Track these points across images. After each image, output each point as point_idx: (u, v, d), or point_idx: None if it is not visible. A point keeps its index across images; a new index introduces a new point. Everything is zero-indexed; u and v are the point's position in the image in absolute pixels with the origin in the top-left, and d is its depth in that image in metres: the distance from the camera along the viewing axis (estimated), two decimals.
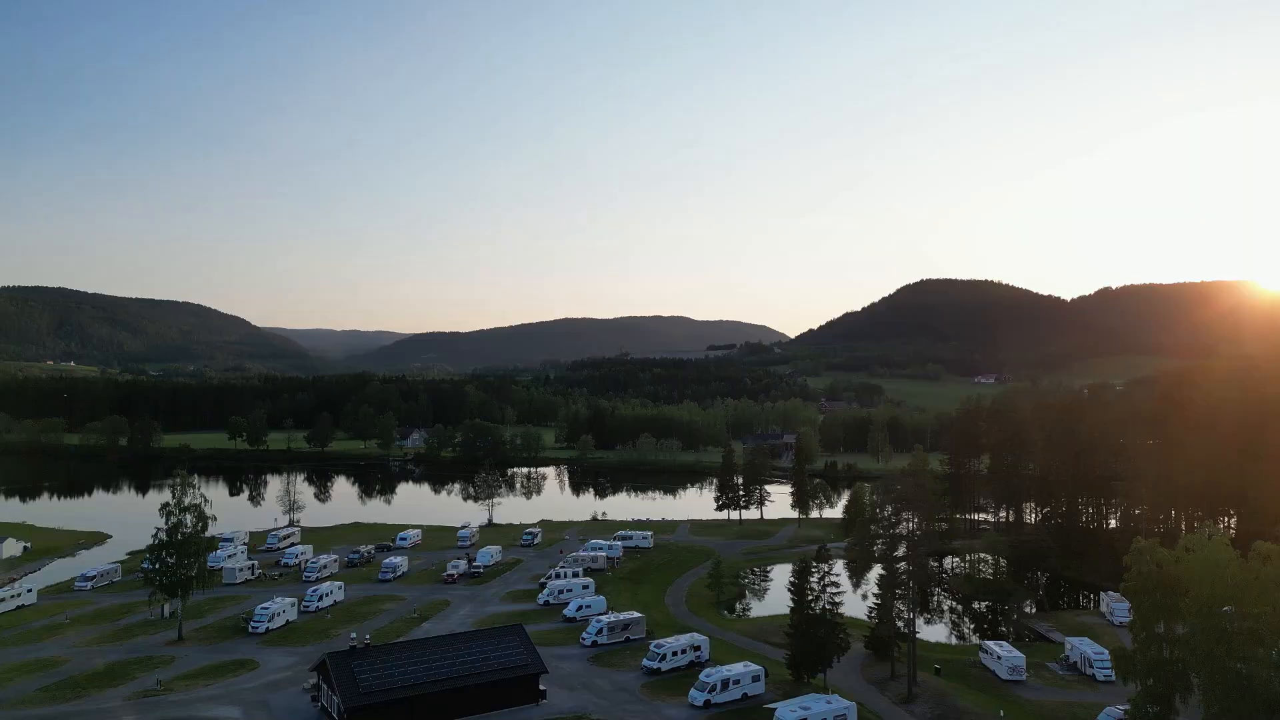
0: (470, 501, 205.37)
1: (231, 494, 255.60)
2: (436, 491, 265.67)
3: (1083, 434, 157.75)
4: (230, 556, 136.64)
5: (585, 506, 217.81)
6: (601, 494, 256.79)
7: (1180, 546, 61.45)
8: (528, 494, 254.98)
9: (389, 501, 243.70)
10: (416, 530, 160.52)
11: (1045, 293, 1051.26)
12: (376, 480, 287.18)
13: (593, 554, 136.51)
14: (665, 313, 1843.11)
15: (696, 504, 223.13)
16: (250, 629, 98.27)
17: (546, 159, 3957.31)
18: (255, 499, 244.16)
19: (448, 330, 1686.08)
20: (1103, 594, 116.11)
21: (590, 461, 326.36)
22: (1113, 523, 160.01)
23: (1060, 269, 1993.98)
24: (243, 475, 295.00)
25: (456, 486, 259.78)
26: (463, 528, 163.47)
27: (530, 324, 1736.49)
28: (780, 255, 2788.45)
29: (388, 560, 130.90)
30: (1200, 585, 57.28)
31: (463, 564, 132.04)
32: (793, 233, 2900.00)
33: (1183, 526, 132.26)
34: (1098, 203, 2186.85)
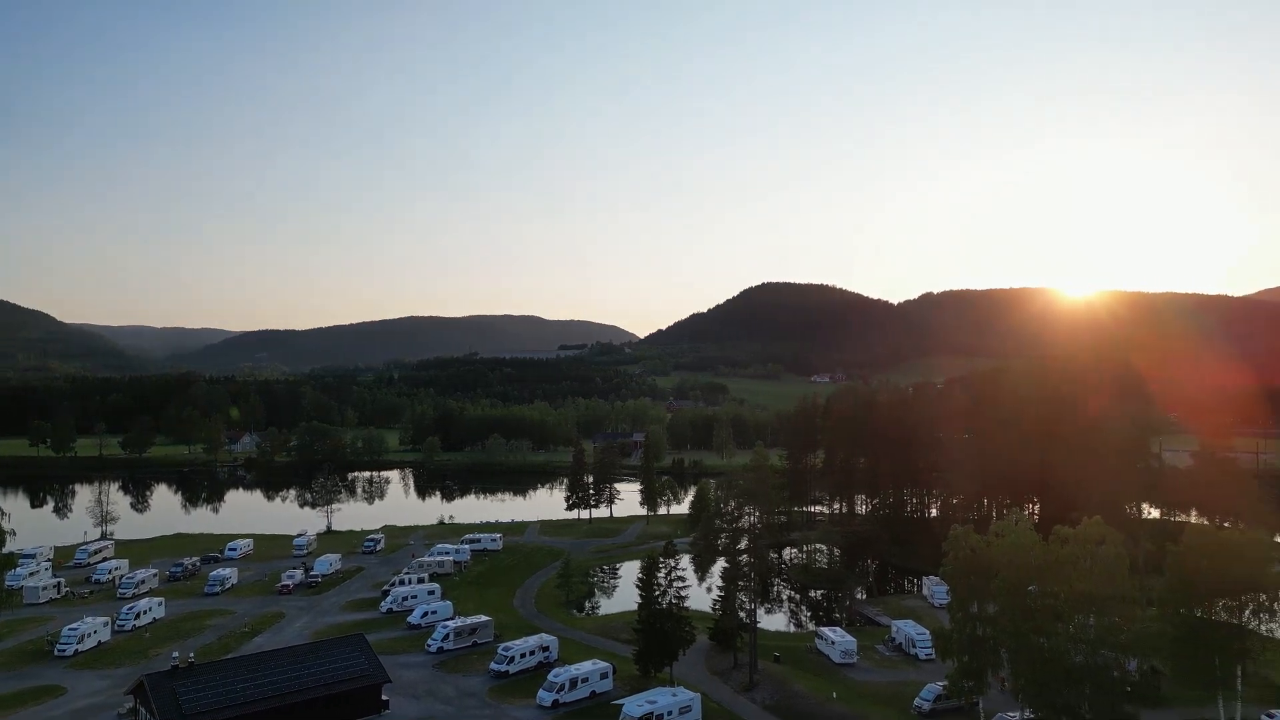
0: (307, 508, 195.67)
1: (34, 506, 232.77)
2: (270, 498, 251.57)
3: (907, 429, 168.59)
4: (32, 574, 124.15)
5: (432, 510, 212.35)
6: (449, 497, 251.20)
7: (991, 532, 66.85)
8: (370, 499, 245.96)
9: (216, 510, 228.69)
10: (247, 540, 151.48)
11: (875, 297, 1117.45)
12: (202, 488, 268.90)
13: (439, 559, 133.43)
14: (516, 312, 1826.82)
15: (547, 504, 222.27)
16: (56, 652, 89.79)
17: (392, 154, 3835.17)
18: (61, 511, 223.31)
19: (283, 328, 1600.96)
20: (925, 578, 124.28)
21: (437, 464, 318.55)
22: (934, 512, 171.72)
23: (889, 275, 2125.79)
24: (47, 485, 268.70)
25: (292, 493, 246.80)
26: (299, 536, 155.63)
27: (374, 322, 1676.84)
28: (631, 256, 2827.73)
29: (215, 573, 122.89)
30: (1008, 567, 62.50)
31: (299, 574, 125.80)
32: (642, 234, 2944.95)
33: (994, 514, 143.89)
34: (922, 213, 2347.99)
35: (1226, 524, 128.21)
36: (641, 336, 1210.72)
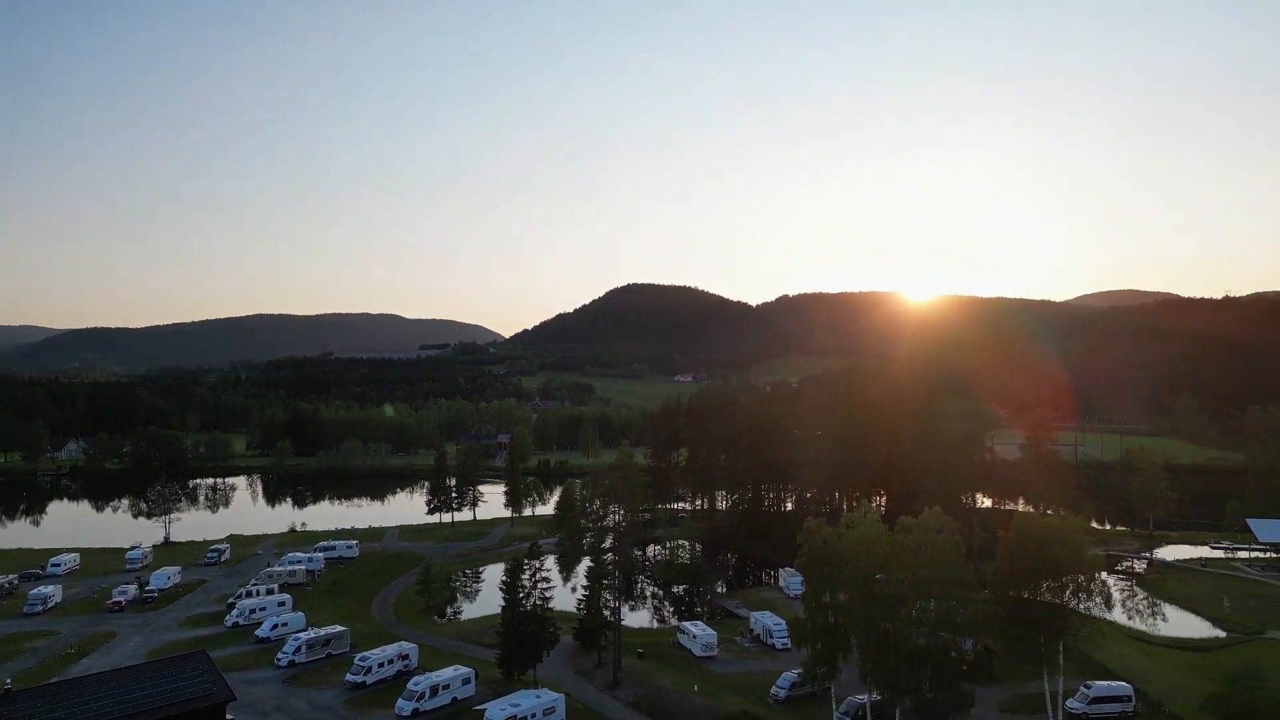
0: (142, 519, 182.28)
1: None
2: (99, 509, 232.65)
3: (765, 427, 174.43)
4: None
5: (282, 518, 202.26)
6: (301, 503, 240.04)
7: (842, 524, 70.13)
8: (214, 507, 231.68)
9: (37, 523, 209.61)
10: (73, 554, 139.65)
11: (736, 299, 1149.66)
12: (21, 499, 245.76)
13: (290, 568, 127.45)
14: (374, 310, 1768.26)
15: (407, 509, 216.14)
16: None
17: (240, 145, 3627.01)
18: None
19: (114, 325, 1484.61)
20: (781, 570, 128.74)
21: (288, 469, 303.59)
22: (790, 506, 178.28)
23: (748, 277, 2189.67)
24: None
25: (125, 502, 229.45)
26: (133, 549, 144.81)
27: (218, 320, 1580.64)
28: (495, 255, 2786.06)
29: (35, 590, 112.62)
30: (857, 557, 65.73)
31: (132, 589, 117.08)
32: (507, 233, 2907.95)
33: (845, 506, 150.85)
34: (780, 218, 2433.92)
35: (1049, 511, 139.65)
36: (506, 336, 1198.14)
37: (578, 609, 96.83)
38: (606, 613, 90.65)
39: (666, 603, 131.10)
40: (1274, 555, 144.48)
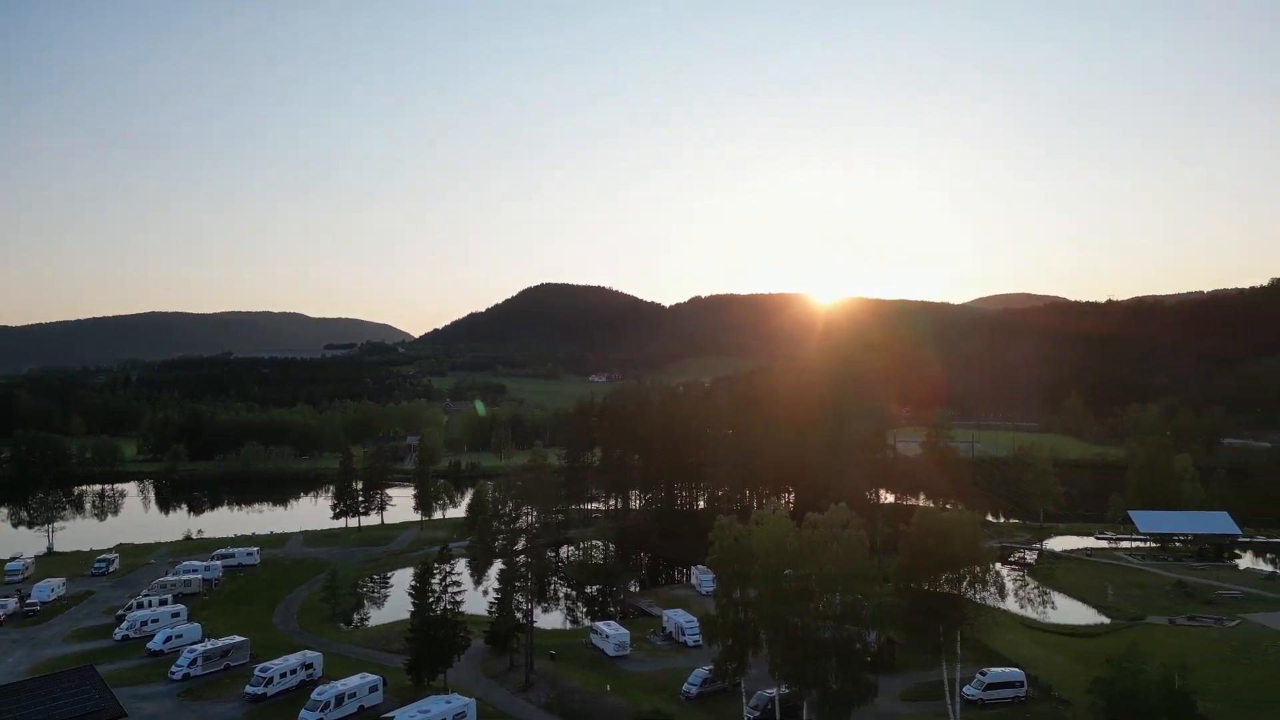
0: (23, 528, 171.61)
1: None
2: None
3: (678, 427, 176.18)
4: None
5: (177, 525, 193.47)
6: (197, 510, 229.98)
7: (752, 521, 71.39)
8: (101, 515, 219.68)
9: None
10: None
11: (649, 299, 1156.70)
12: None
13: (185, 577, 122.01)
14: (276, 308, 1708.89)
15: (312, 513, 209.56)
16: None
17: (126, 128, 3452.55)
18: None
19: None
20: (693, 568, 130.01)
21: (184, 474, 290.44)
22: (702, 504, 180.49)
23: (662, 278, 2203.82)
24: None
25: (4, 511, 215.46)
26: (12, 560, 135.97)
27: (107, 317, 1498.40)
28: (405, 253, 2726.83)
29: None
30: (766, 554, 66.99)
31: (11, 602, 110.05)
32: (417, 230, 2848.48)
33: (755, 504, 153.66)
34: (693, 219, 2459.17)
35: (947, 506, 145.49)
36: (416, 336, 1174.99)
37: (489, 612, 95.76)
38: (519, 615, 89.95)
39: (580, 603, 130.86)
40: (1153, 545, 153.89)
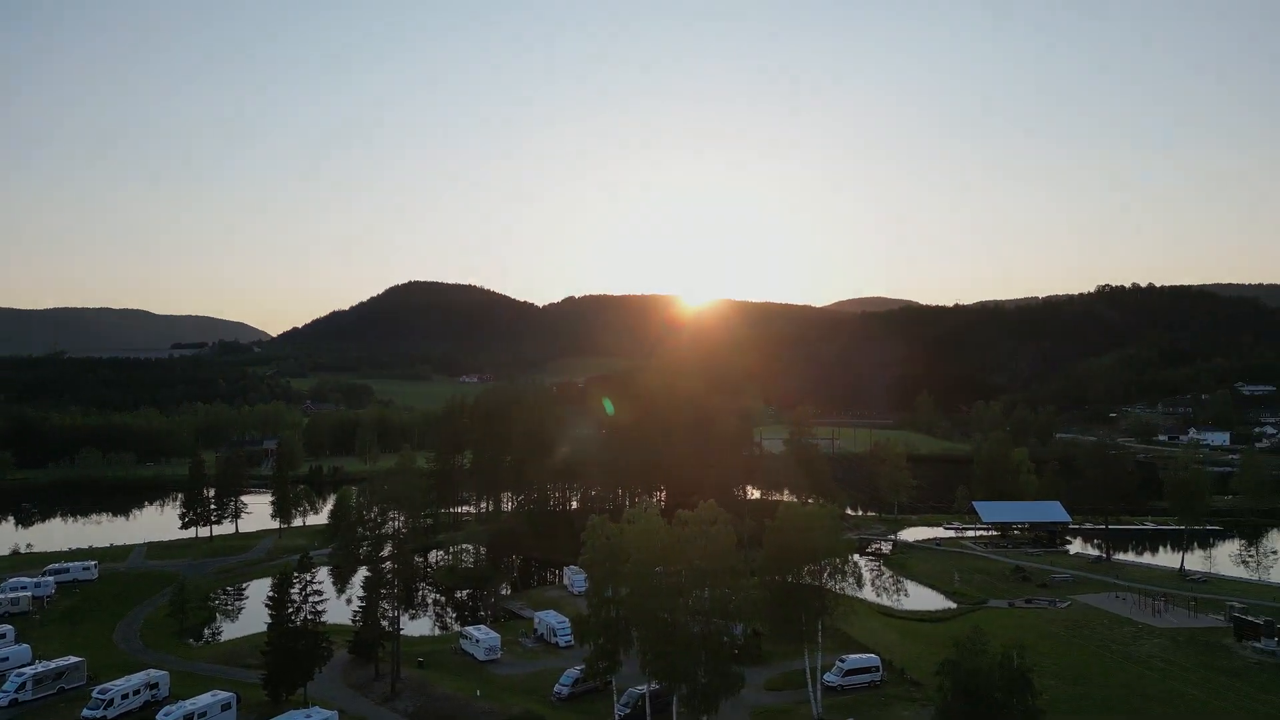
0: None
1: None
2: None
3: (551, 427, 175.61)
4: None
5: (2, 539, 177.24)
6: (26, 522, 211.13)
7: (624, 520, 72.06)
8: None
9: None
10: None
11: (522, 299, 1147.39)
12: None
13: (12, 595, 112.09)
14: (117, 305, 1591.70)
15: (158, 523, 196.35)
16: None
17: None
18: None
19: None
20: (566, 568, 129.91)
21: (11, 483, 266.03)
22: (575, 504, 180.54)
23: (535, 277, 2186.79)
24: None
25: None
26: None
27: None
28: (261, 246, 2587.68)
29: None
30: (638, 551, 67.78)
31: None
32: (276, 221, 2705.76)
33: (627, 502, 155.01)
34: (565, 219, 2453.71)
35: (810, 501, 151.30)
36: (274, 335, 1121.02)
37: (353, 621, 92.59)
38: (385, 623, 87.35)
39: (449, 609, 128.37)
40: (995, 533, 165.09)
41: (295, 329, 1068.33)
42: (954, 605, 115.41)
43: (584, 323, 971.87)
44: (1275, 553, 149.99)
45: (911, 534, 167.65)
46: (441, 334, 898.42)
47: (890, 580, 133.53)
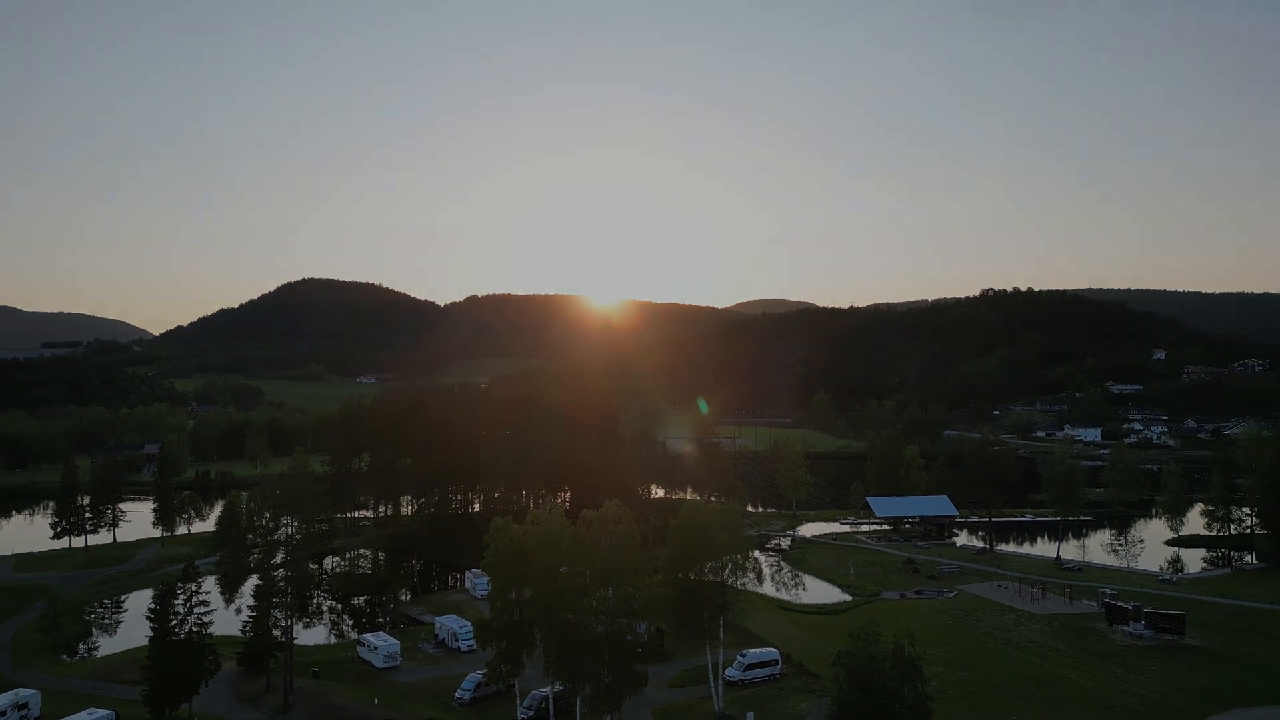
0: None
1: None
2: None
3: (452, 429, 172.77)
4: None
5: None
6: None
7: (528, 521, 71.56)
8: None
9: None
10: None
11: (423, 298, 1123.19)
12: None
13: None
14: None
15: (27, 534, 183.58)
16: None
17: None
18: None
19: None
20: (468, 572, 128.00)
21: None
22: (478, 507, 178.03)
23: (436, 276, 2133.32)
24: None
25: None
26: None
27: None
28: (142, 239, 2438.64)
29: None
30: (543, 552, 67.45)
31: None
32: (158, 214, 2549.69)
33: (531, 504, 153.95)
34: (466, 217, 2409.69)
35: (712, 499, 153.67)
36: (156, 334, 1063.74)
37: (243, 631, 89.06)
38: (276, 632, 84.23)
39: (346, 616, 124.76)
40: (887, 527, 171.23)
41: (180, 328, 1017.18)
42: (849, 598, 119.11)
43: (487, 322, 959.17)
44: (1142, 542, 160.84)
45: (810, 529, 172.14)
46: (338, 333, 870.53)
47: (789, 575, 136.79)
